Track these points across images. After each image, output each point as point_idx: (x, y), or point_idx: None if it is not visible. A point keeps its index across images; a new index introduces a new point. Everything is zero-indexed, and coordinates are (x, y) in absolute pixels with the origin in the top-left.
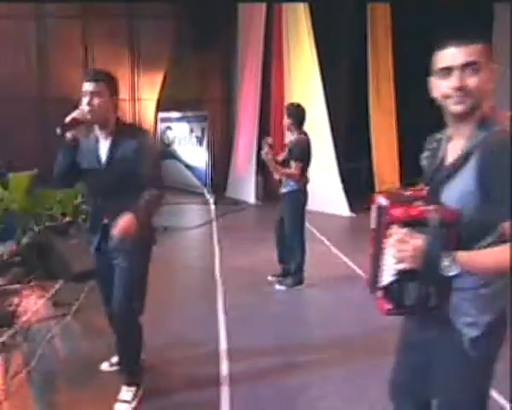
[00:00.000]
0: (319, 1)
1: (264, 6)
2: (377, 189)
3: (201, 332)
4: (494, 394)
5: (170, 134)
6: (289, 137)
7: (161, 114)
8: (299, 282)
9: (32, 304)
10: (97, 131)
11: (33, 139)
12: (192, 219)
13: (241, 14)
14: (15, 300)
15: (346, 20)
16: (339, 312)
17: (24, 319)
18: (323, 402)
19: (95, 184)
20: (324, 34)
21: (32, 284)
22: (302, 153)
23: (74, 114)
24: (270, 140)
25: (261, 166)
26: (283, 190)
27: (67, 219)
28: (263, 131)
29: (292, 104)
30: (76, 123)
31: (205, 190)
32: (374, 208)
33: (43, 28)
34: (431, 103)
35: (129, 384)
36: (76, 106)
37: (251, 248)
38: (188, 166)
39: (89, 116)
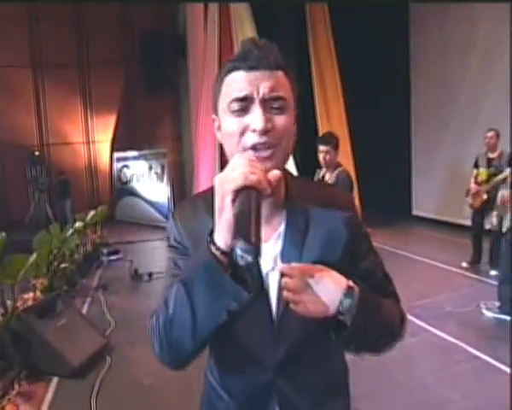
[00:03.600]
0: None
1: (216, 42)
2: None
3: None
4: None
5: (127, 172)
6: (328, 173)
7: (117, 154)
8: None
9: None
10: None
11: None
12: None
13: (190, 53)
14: None
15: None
16: (416, 365)
17: None
18: None
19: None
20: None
21: (13, 393)
22: (348, 189)
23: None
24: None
25: None
26: None
27: (41, 281)
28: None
29: (330, 135)
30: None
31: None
32: None
33: None
34: None
35: None
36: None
37: None
38: (148, 202)
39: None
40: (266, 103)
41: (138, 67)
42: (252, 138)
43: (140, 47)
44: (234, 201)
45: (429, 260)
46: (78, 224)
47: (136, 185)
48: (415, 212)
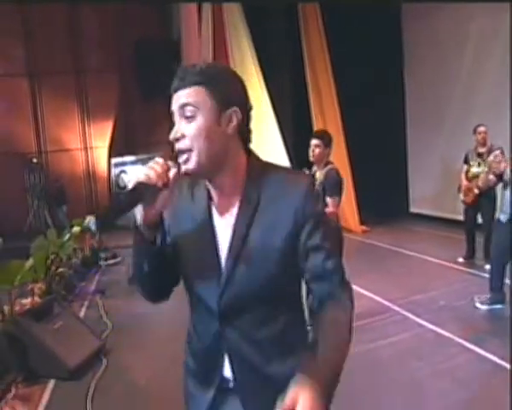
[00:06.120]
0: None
1: (210, 44)
2: None
3: None
4: None
5: (125, 177)
6: (318, 170)
7: (114, 160)
8: None
9: None
10: None
11: None
12: None
13: (184, 57)
14: None
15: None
16: (408, 358)
17: None
18: None
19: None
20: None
21: (10, 395)
22: (337, 187)
23: None
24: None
25: None
26: None
27: (39, 285)
28: None
29: (324, 132)
30: None
31: None
32: None
33: None
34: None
35: None
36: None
37: None
38: None
39: None
40: (181, 112)
41: (134, 73)
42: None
43: (135, 53)
44: (134, 189)
45: (425, 256)
46: (76, 229)
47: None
48: (412, 209)
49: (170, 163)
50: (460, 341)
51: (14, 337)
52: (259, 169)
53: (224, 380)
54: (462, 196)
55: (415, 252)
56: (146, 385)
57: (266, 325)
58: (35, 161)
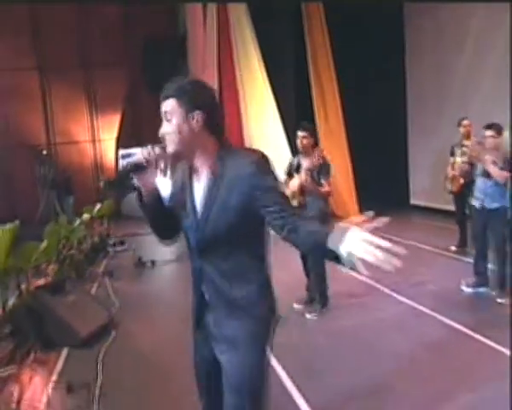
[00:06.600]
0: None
1: (215, 40)
2: (331, 200)
3: None
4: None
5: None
6: (305, 158)
7: (122, 151)
8: (326, 304)
9: (39, 392)
10: None
11: None
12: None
13: (190, 52)
14: (15, 391)
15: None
16: (388, 330)
17: None
18: None
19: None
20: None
21: (29, 360)
22: (330, 170)
23: None
24: (308, 165)
25: None
26: (311, 212)
27: (52, 267)
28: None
29: (308, 123)
30: None
31: None
32: None
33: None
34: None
35: None
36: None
37: None
38: None
39: None
40: (164, 116)
41: (141, 67)
42: None
43: (143, 49)
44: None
45: (419, 244)
46: (85, 216)
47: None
48: (412, 201)
49: (157, 148)
50: (440, 317)
51: (32, 309)
52: (226, 152)
53: (204, 300)
54: (449, 187)
55: (410, 240)
56: (150, 352)
57: (230, 260)
58: (45, 152)
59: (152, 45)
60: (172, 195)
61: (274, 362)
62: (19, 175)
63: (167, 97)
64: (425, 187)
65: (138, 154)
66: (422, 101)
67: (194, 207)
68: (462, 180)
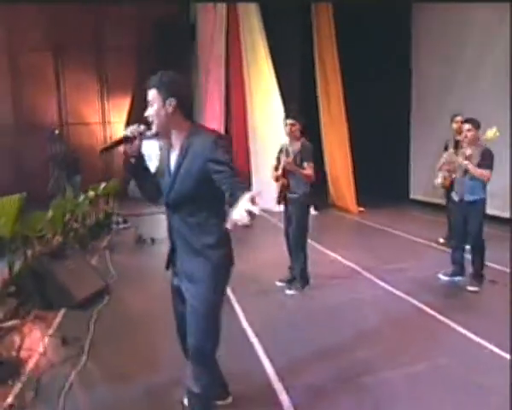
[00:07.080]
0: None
1: (223, 32)
2: (332, 190)
3: (235, 349)
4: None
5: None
6: (292, 143)
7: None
8: (307, 283)
9: (37, 343)
10: None
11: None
12: None
13: (199, 38)
14: (16, 339)
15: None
16: (362, 309)
17: (31, 365)
18: None
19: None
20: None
21: (30, 316)
22: (312, 155)
23: None
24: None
25: None
26: (293, 195)
27: (57, 238)
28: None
29: (295, 109)
30: None
31: None
32: None
33: (15, 60)
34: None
35: None
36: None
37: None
38: None
39: None
40: (149, 102)
41: (152, 53)
42: None
43: (154, 34)
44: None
45: (410, 236)
46: (91, 193)
47: (149, 164)
48: (412, 196)
49: (142, 127)
50: (412, 300)
51: (36, 272)
52: (194, 132)
53: (175, 246)
54: (440, 181)
55: (402, 232)
56: (138, 315)
57: (194, 215)
58: (57, 132)
59: (163, 31)
60: (159, 165)
61: (249, 331)
62: (33, 152)
63: (150, 87)
64: (425, 182)
65: (128, 129)
66: (426, 96)
67: (169, 172)
68: (453, 175)
